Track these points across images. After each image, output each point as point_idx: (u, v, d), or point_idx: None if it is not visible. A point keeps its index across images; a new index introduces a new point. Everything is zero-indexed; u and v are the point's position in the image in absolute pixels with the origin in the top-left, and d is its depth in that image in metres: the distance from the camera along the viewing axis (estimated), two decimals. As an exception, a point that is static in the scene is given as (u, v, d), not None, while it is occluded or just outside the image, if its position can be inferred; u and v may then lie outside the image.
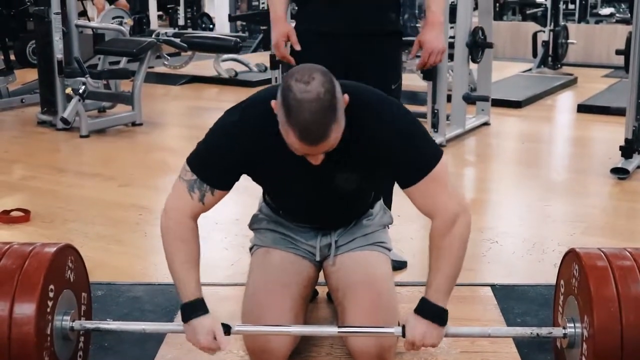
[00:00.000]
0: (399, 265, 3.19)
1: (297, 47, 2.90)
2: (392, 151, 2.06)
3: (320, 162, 1.99)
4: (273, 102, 1.94)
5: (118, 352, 2.57)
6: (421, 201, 2.11)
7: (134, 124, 6.40)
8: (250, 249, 2.57)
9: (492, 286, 3.09)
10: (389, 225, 2.62)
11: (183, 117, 7.49)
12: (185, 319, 2.13)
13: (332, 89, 1.89)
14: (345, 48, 2.84)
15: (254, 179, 2.28)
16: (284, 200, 2.45)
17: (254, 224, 2.56)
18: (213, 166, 2.12)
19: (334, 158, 2.02)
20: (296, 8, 3.11)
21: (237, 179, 2.17)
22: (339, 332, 2.30)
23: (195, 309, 2.12)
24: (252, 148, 2.10)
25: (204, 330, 2.10)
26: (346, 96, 1.96)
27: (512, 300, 2.97)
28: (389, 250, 2.55)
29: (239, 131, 2.10)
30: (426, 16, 2.92)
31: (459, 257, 2.12)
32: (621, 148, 5.01)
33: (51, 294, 2.16)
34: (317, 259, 2.44)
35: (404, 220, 3.47)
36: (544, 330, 2.30)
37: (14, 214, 3.96)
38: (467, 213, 2.11)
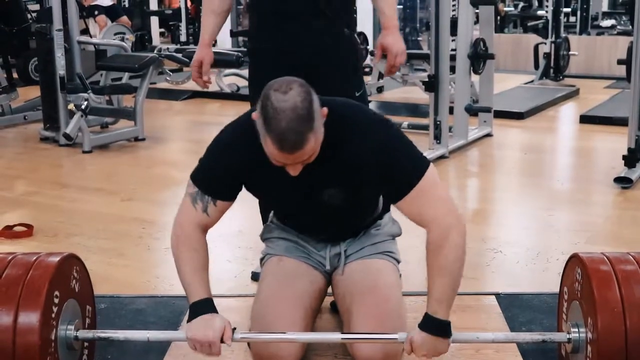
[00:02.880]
0: None
1: (205, 78, 3.06)
2: (374, 166, 2.08)
3: (298, 172, 2.02)
4: (254, 114, 1.99)
5: (121, 364, 2.56)
6: (411, 215, 2.13)
7: (136, 139, 6.41)
8: (261, 260, 2.57)
9: (497, 295, 3.08)
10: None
11: (185, 132, 7.51)
12: (195, 316, 2.14)
13: (309, 99, 1.93)
14: (302, 62, 2.79)
15: (251, 192, 2.32)
16: (281, 213, 2.49)
17: (265, 233, 2.58)
18: (212, 179, 2.20)
19: (317, 174, 2.07)
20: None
21: (237, 191, 2.24)
22: (342, 338, 2.30)
23: (206, 306, 2.14)
24: (243, 162, 2.16)
25: (215, 326, 2.10)
26: (325, 109, 1.99)
27: (517, 308, 2.96)
28: (398, 261, 2.55)
29: (230, 147, 2.18)
30: (381, 22, 2.91)
31: (457, 269, 2.12)
32: (624, 157, 5.00)
33: (56, 301, 2.16)
34: (327, 268, 2.45)
35: (408, 227, 3.47)
36: (547, 336, 2.30)
37: (17, 229, 3.96)
38: (461, 223, 2.12)
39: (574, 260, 2.30)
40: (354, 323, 2.29)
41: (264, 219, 2.75)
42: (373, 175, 2.11)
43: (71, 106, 6.00)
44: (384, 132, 2.14)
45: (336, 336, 2.35)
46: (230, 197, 2.23)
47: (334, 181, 2.18)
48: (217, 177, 2.20)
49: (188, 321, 2.17)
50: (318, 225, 2.43)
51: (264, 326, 2.26)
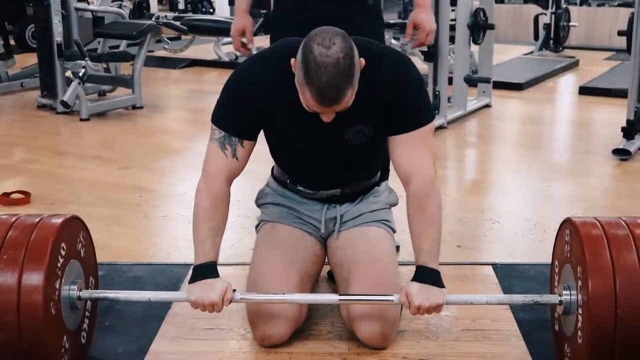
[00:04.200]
0: None
1: (250, 45, 2.97)
2: (396, 95, 2.15)
3: (331, 119, 2.06)
4: (292, 60, 2.02)
5: (119, 331, 2.57)
6: (405, 155, 2.18)
7: (134, 107, 6.39)
8: (257, 226, 2.58)
9: (494, 265, 3.10)
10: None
11: (183, 101, 7.49)
12: (198, 279, 2.17)
13: (351, 54, 1.96)
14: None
15: (266, 132, 2.32)
16: (290, 156, 2.44)
17: (260, 199, 2.58)
18: (235, 116, 2.20)
19: (344, 113, 2.08)
20: None
21: (260, 128, 2.27)
22: (339, 299, 2.32)
23: (210, 270, 2.17)
24: (267, 96, 2.17)
25: (219, 289, 2.14)
26: (362, 60, 2.03)
27: (513, 278, 2.97)
28: (394, 230, 2.56)
29: (255, 79, 2.18)
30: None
31: (440, 220, 2.19)
32: (623, 129, 5.01)
33: (60, 260, 2.18)
34: (322, 231, 2.45)
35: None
36: (539, 298, 2.31)
37: (14, 196, 3.95)
38: (438, 182, 2.22)
39: (567, 224, 2.31)
40: (351, 291, 2.31)
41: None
42: (391, 103, 2.17)
43: (68, 73, 5.97)
44: (409, 70, 2.21)
45: (333, 297, 2.37)
46: (255, 134, 2.25)
47: (360, 119, 2.20)
48: (241, 114, 2.20)
49: (190, 282, 2.20)
50: (323, 171, 2.40)
51: (258, 292, 2.29)
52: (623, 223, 2.19)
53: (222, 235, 2.24)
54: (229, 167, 2.22)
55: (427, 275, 2.14)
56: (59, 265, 2.16)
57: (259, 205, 2.60)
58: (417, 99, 2.20)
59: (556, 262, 2.41)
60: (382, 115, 2.19)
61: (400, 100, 2.17)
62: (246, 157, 2.24)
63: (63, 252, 2.19)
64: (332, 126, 2.11)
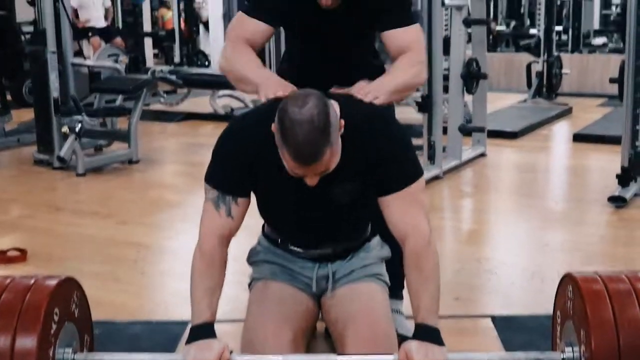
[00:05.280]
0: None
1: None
2: (382, 156, 2.14)
3: (315, 183, 2.04)
4: (273, 126, 2.02)
5: (116, 391, 2.54)
6: (399, 215, 2.16)
7: (130, 162, 6.40)
8: (249, 284, 2.57)
9: (492, 317, 3.08)
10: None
11: (179, 154, 7.51)
12: (195, 339, 2.13)
13: (325, 111, 1.96)
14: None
15: (254, 191, 2.30)
16: (279, 217, 2.44)
17: (251, 257, 2.57)
18: (227, 174, 2.20)
19: (329, 175, 2.07)
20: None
21: (251, 187, 2.25)
22: (338, 357, 2.29)
23: (207, 331, 2.14)
24: (254, 153, 2.17)
25: (214, 351, 2.09)
26: (342, 121, 2.03)
27: (513, 331, 2.95)
28: (387, 283, 2.55)
29: (243, 136, 2.20)
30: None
31: (438, 277, 2.17)
32: (618, 176, 5.02)
33: (54, 323, 2.15)
34: (314, 290, 2.44)
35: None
36: (542, 355, 2.29)
37: (10, 253, 3.93)
38: (434, 241, 2.19)
39: (567, 279, 2.30)
40: (347, 346, 2.29)
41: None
42: (378, 164, 2.15)
43: (65, 129, 5.99)
44: (395, 129, 2.23)
45: (332, 357, 2.35)
46: (248, 192, 2.25)
47: (345, 179, 2.18)
48: (231, 171, 2.20)
49: (187, 342, 2.17)
50: (316, 232, 2.39)
51: (253, 352, 2.26)
52: (624, 278, 2.18)
53: (220, 294, 2.22)
54: (224, 226, 2.22)
55: (426, 333, 2.11)
56: (52, 331, 2.13)
57: (250, 263, 2.60)
58: (404, 157, 2.19)
59: (558, 317, 2.39)
60: (369, 176, 2.18)
61: (387, 160, 2.16)
62: (242, 215, 2.24)
63: (56, 318, 2.16)
64: (318, 187, 2.10)
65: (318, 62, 2.61)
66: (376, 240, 2.58)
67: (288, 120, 1.94)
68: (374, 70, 2.65)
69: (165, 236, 4.51)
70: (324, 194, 2.20)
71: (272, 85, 2.35)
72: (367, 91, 2.34)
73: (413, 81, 2.51)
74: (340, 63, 2.59)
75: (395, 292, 2.75)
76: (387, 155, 2.16)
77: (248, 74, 2.45)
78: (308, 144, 1.93)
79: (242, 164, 2.20)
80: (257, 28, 2.50)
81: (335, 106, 2.06)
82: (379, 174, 2.16)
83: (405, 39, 2.47)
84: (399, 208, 2.16)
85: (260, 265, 2.52)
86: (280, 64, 2.96)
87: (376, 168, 2.16)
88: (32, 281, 2.20)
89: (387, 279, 2.54)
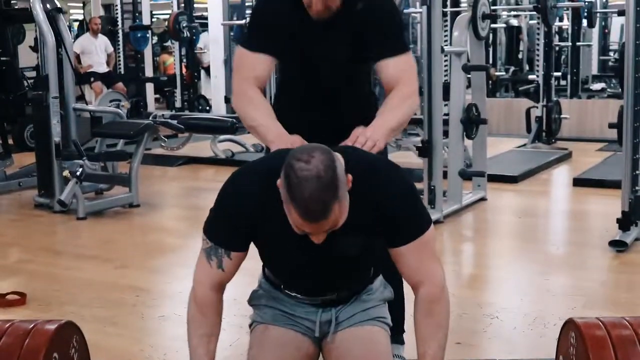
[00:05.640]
0: None
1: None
2: (391, 210, 2.09)
3: (322, 241, 2.00)
4: (278, 182, 1.97)
5: None
6: (412, 264, 2.13)
7: (131, 206, 6.40)
8: (250, 325, 2.55)
9: (494, 363, 3.06)
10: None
11: (180, 198, 7.51)
12: None
13: (332, 166, 1.91)
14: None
15: (256, 243, 2.27)
16: (282, 268, 2.41)
17: (253, 299, 2.55)
18: (224, 228, 2.15)
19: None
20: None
21: (250, 241, 2.20)
22: None
23: None
24: (256, 209, 2.11)
25: None
26: (349, 176, 1.98)
27: (515, 376, 2.94)
28: (389, 325, 2.53)
29: (244, 191, 2.14)
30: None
31: (448, 325, 2.16)
32: (618, 220, 5.01)
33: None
34: (317, 334, 2.42)
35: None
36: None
37: (9, 297, 3.92)
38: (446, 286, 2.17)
39: (569, 325, 2.29)
40: None
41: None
42: (386, 219, 2.11)
43: (66, 173, 6.02)
44: (401, 180, 2.16)
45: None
46: (244, 247, 2.19)
47: (352, 233, 2.11)
48: (228, 226, 2.15)
49: None
50: (320, 282, 2.36)
51: None
52: (627, 323, 2.16)
53: (217, 341, 2.22)
54: (214, 278, 2.18)
55: None
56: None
57: (252, 305, 2.58)
58: (413, 210, 2.14)
59: (560, 362, 2.38)
60: (378, 229, 2.14)
61: (397, 213, 2.11)
62: (234, 268, 2.20)
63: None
64: (324, 242, 2.06)
65: (314, 94, 2.62)
66: (379, 281, 2.56)
67: (294, 177, 1.89)
68: (367, 103, 2.67)
69: (165, 280, 4.50)
70: (329, 248, 2.14)
71: (282, 143, 2.33)
72: (366, 138, 2.33)
73: (407, 116, 2.51)
74: (335, 96, 2.60)
75: (396, 337, 2.73)
76: (396, 209, 2.11)
77: (259, 128, 2.45)
78: (316, 200, 1.88)
79: (240, 220, 2.14)
80: (258, 63, 2.52)
81: (340, 159, 2.00)
82: (389, 227, 2.12)
83: (397, 68, 2.47)
84: (412, 259, 2.13)
85: (261, 308, 2.50)
86: (276, 99, 2.89)
87: (385, 222, 2.11)
88: (32, 325, 2.19)
89: (389, 321, 2.52)
